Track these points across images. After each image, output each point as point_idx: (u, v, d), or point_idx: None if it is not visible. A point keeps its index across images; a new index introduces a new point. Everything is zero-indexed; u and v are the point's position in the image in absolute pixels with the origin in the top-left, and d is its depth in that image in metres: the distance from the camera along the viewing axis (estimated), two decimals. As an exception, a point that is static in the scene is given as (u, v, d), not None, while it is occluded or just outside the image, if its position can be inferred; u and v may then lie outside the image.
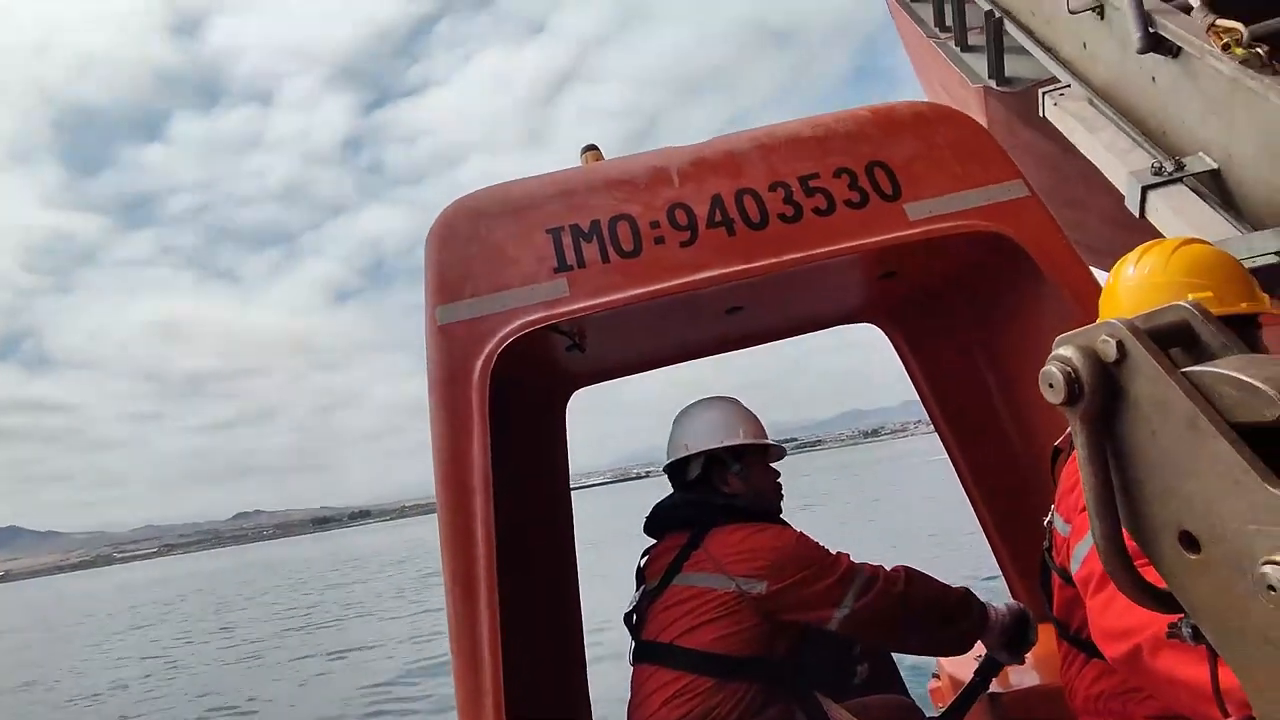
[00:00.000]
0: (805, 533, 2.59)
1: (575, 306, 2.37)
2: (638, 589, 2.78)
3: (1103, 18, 4.48)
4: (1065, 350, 0.85)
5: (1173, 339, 0.90)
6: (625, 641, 2.72)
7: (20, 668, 24.27)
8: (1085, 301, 2.33)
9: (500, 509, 2.27)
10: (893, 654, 3.38)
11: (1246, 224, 3.53)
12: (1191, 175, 3.75)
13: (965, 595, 2.60)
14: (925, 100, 3.80)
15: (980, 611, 2.61)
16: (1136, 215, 3.87)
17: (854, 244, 2.47)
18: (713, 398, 2.92)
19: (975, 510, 3.68)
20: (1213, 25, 3.62)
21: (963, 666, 3.05)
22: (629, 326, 3.06)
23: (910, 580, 2.51)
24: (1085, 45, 4.71)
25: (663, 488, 2.96)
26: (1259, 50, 3.47)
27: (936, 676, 3.79)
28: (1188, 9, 3.83)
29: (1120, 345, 0.83)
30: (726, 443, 2.74)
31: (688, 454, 2.78)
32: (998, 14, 5.50)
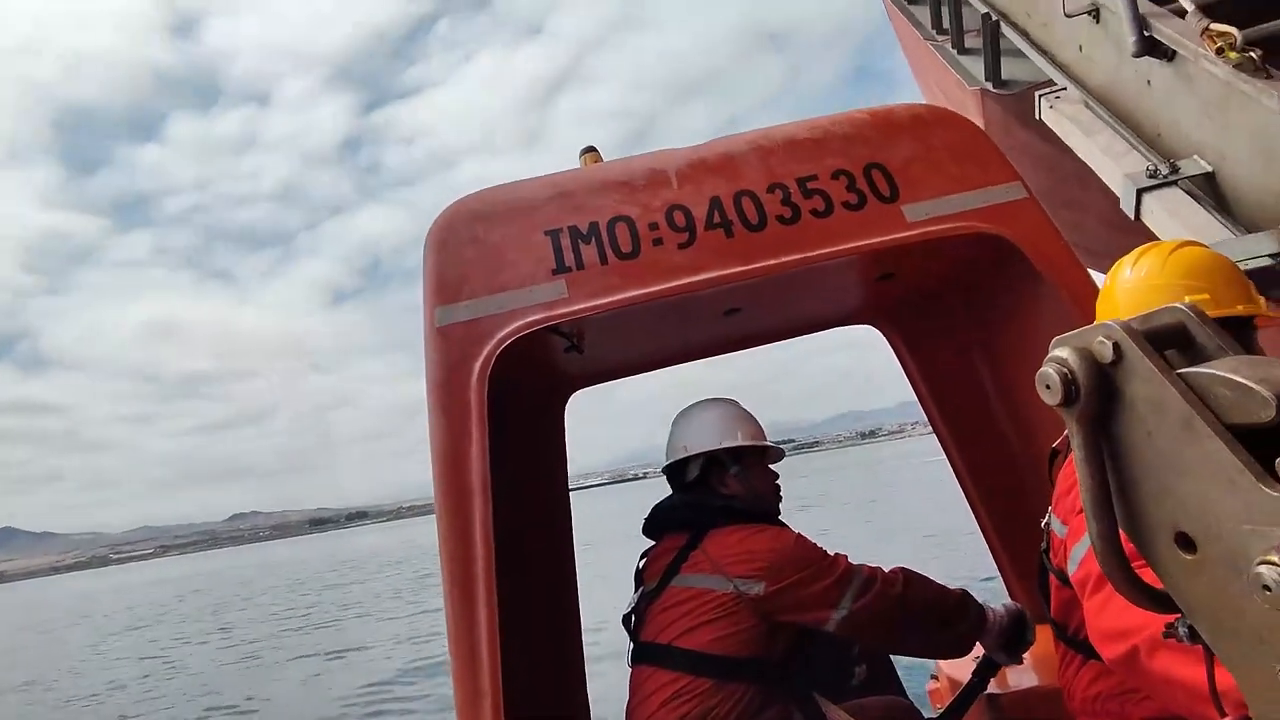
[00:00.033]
0: (804, 534, 2.59)
1: (574, 308, 2.37)
2: (636, 590, 2.78)
3: (1098, 21, 4.49)
4: (1062, 352, 0.86)
5: (1169, 340, 0.90)
6: (624, 641, 2.72)
7: (19, 668, 24.21)
8: (1083, 303, 2.33)
9: (499, 510, 2.27)
10: (891, 655, 3.38)
11: (1240, 227, 3.55)
12: (1186, 178, 3.76)
13: (963, 597, 2.61)
14: (923, 102, 3.80)
15: (978, 613, 2.61)
16: (1132, 218, 3.88)
17: (852, 245, 2.48)
18: (711, 399, 2.92)
19: (973, 511, 3.69)
20: (1207, 29, 3.63)
21: (961, 667, 3.05)
22: (627, 328, 3.07)
23: (908, 582, 2.51)
24: (1081, 48, 4.72)
25: (661, 489, 2.96)
26: (1252, 54, 3.48)
27: (935, 678, 3.80)
28: (1182, 13, 3.85)
29: (1116, 347, 0.84)
30: (725, 444, 2.74)
31: (686, 455, 2.78)
32: (994, 17, 5.51)
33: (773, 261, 2.43)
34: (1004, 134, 5.60)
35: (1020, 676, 3.05)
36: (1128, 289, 1.86)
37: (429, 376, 2.36)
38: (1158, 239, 2.66)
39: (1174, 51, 3.87)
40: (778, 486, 2.88)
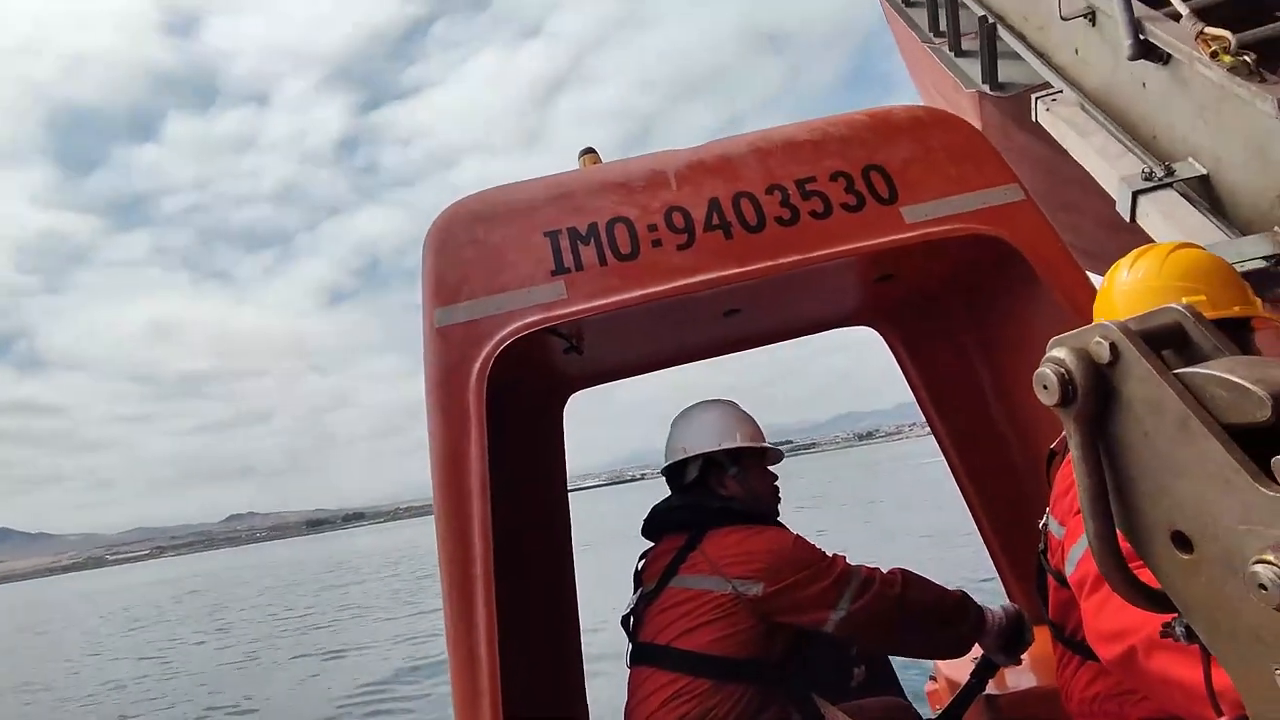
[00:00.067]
0: (802, 535, 2.59)
1: (573, 309, 2.38)
2: (635, 591, 2.78)
3: (1094, 25, 4.50)
4: (1059, 352, 0.86)
5: (1165, 341, 0.91)
6: (622, 642, 2.72)
7: (19, 668, 24.14)
8: (1080, 305, 2.34)
9: (498, 511, 2.27)
10: (889, 656, 3.39)
11: (1235, 229, 3.56)
12: (1181, 180, 3.78)
13: (962, 598, 2.61)
14: (921, 104, 3.82)
15: (977, 614, 2.61)
16: (1127, 220, 3.89)
17: (850, 247, 2.49)
18: (710, 400, 2.93)
19: (971, 512, 3.69)
20: (1201, 33, 3.64)
21: (959, 668, 3.06)
22: (626, 329, 3.07)
23: (907, 583, 2.51)
24: (1077, 51, 4.74)
25: (659, 491, 2.96)
26: (1246, 58, 3.50)
27: (933, 678, 3.80)
28: (1177, 17, 3.86)
29: (1113, 347, 0.84)
30: (724, 445, 2.75)
31: (685, 456, 2.78)
32: (991, 19, 5.52)
33: (771, 263, 2.44)
34: (1001, 136, 5.60)
35: (1018, 677, 3.06)
36: (1125, 290, 1.87)
37: (428, 377, 2.36)
38: (1154, 241, 2.67)
39: (1169, 55, 3.88)
40: (776, 488, 2.88)
